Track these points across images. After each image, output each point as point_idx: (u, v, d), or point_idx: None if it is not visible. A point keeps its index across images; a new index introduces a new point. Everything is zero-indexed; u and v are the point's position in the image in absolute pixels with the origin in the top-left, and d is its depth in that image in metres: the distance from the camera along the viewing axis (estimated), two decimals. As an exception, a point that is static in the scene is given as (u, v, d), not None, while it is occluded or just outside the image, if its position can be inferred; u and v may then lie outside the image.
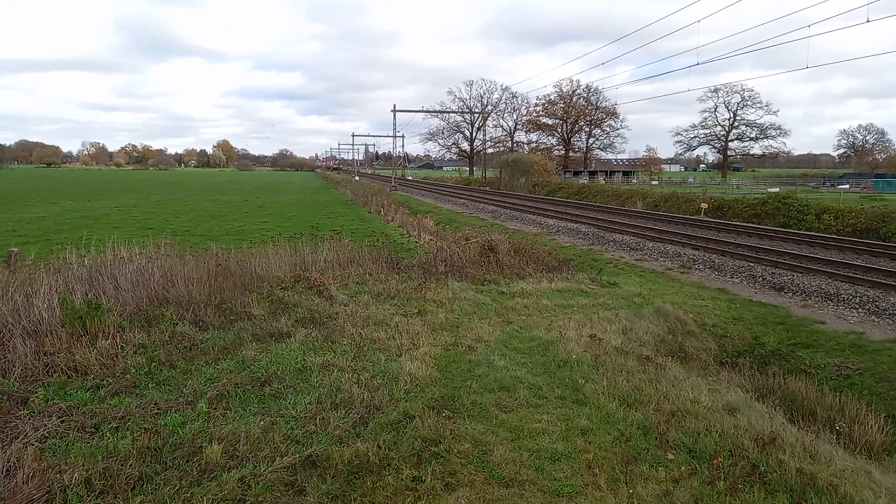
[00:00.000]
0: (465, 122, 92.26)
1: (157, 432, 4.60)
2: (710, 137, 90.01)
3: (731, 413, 5.42)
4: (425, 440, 4.65)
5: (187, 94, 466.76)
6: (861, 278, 12.78)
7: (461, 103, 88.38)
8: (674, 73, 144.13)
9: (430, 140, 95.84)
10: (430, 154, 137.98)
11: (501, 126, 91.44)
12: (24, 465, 3.98)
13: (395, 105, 63.89)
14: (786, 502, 3.99)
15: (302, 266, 10.80)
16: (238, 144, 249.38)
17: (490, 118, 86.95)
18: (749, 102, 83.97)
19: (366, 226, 23.97)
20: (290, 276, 9.99)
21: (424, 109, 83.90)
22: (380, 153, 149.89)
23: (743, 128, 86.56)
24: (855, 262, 14.78)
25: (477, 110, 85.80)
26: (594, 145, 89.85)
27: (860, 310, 10.95)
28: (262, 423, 4.83)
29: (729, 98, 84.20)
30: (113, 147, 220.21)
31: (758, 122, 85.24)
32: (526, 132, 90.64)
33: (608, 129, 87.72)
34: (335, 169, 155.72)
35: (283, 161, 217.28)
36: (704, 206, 28.90)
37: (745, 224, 24.18)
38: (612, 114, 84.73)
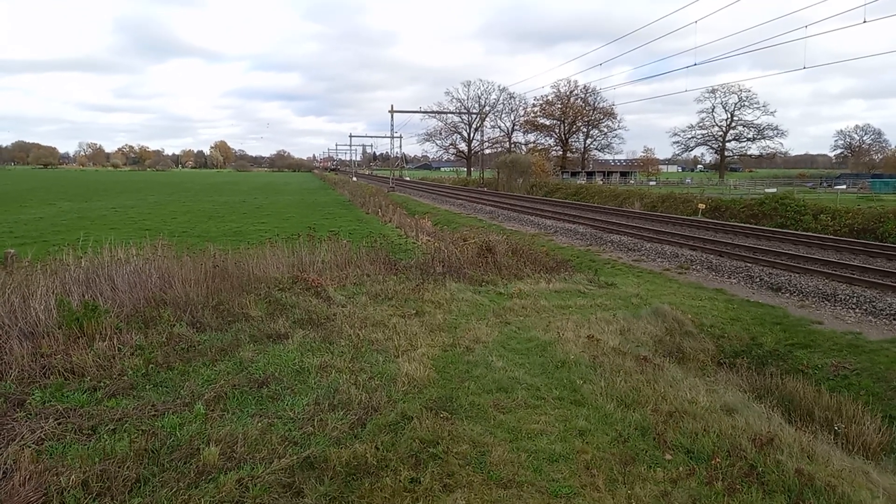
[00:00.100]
0: (462, 122, 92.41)
1: (155, 434, 4.59)
2: (707, 138, 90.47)
3: (728, 413, 5.42)
4: (423, 441, 4.64)
5: (186, 94, 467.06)
6: (858, 279, 12.82)
7: (459, 104, 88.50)
8: (672, 73, 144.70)
9: (427, 141, 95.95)
10: (428, 155, 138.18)
11: (499, 127, 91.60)
12: (20, 468, 3.96)
13: (392, 106, 63.79)
14: (784, 502, 3.99)
15: (299, 267, 10.79)
16: (236, 145, 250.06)
17: (488, 119, 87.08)
18: (746, 103, 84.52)
19: (363, 227, 23.94)
20: (287, 277, 9.97)
21: (422, 110, 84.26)
22: (377, 154, 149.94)
23: (740, 128, 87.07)
24: (852, 263, 14.82)
25: (474, 111, 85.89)
26: (592, 146, 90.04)
27: (857, 310, 10.98)
28: (259, 424, 4.82)
29: (726, 98, 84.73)
30: (111, 148, 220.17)
31: (755, 122, 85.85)
32: (524, 133, 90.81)
33: (606, 130, 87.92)
34: (333, 170, 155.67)
35: (281, 162, 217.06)
36: (702, 206, 28.90)
37: (742, 224, 24.23)
38: (610, 114, 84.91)
